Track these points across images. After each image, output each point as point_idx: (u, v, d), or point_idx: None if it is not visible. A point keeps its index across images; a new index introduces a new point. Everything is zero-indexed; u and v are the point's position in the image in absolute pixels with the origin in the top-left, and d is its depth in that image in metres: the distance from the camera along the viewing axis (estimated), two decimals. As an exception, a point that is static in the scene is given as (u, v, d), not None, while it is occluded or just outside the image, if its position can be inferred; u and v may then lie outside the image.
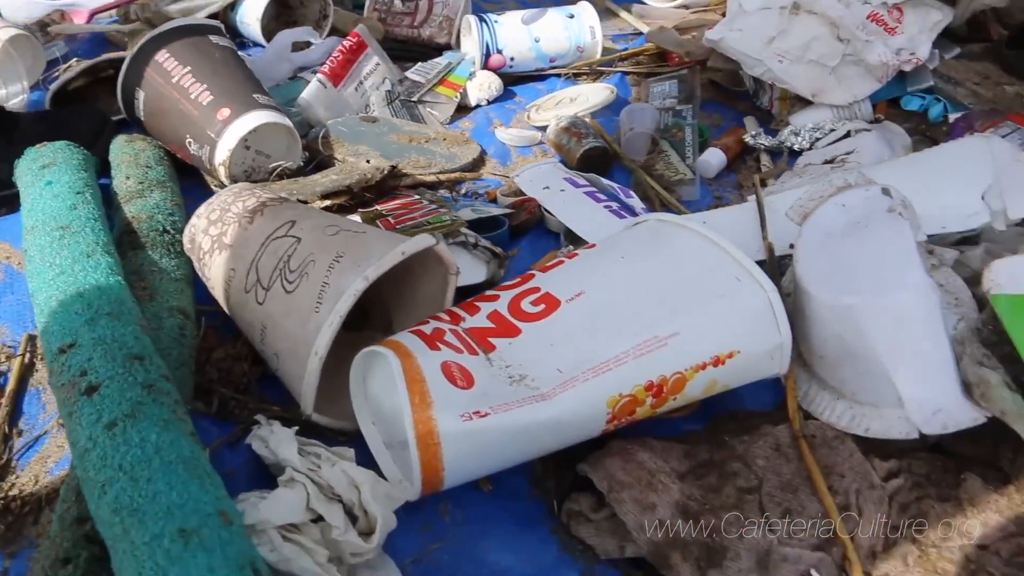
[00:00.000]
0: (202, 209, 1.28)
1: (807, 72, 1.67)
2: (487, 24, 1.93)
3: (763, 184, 1.55)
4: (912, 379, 0.99)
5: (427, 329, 1.02)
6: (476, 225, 1.41)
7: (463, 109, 1.90)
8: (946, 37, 1.84)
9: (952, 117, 1.65)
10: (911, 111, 1.74)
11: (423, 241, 1.07)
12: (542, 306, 1.04)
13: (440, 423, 0.89)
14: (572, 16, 1.96)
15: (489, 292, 1.09)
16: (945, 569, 0.92)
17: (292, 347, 1.06)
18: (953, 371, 0.99)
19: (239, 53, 1.66)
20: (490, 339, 1.01)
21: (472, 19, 1.94)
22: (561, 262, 1.13)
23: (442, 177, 1.54)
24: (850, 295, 1.01)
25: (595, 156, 1.60)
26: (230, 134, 1.48)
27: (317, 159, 1.63)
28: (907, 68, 1.64)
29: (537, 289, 1.06)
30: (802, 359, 1.13)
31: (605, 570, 0.96)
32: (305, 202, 1.36)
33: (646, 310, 1.00)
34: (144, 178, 1.44)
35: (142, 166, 1.48)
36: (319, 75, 1.82)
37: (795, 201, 1.26)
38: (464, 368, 0.97)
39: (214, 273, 1.22)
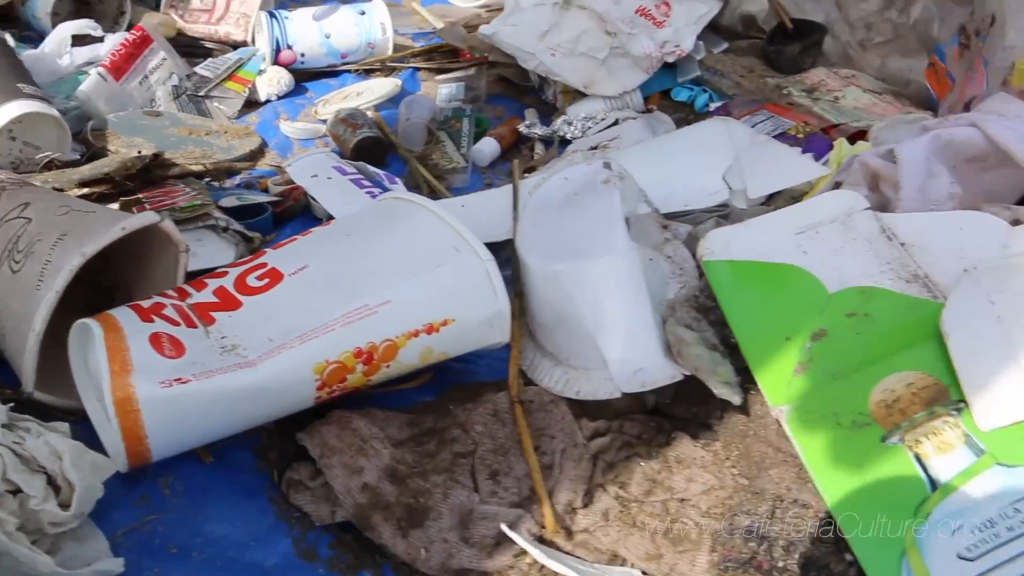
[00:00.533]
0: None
1: (579, 65, 1.73)
2: (277, 20, 1.93)
3: (532, 170, 1.60)
4: (614, 341, 1.03)
5: (145, 304, 1.02)
6: (241, 212, 1.42)
7: (253, 104, 1.90)
8: (717, 33, 1.93)
9: (714, 106, 1.73)
10: (680, 102, 1.81)
11: (146, 218, 1.07)
12: (266, 280, 1.05)
13: (138, 389, 0.90)
14: (363, 13, 1.99)
15: (220, 269, 1.10)
16: (644, 522, 0.96)
17: (16, 325, 1.05)
18: (655, 333, 1.04)
19: (9, 44, 1.63)
20: (212, 313, 1.03)
21: (263, 15, 1.94)
22: (295, 239, 1.14)
23: (209, 166, 1.53)
24: (558, 262, 1.06)
25: (368, 146, 1.62)
26: (-8, 124, 1.46)
27: (91, 151, 1.61)
28: (671, 59, 1.71)
29: (264, 265, 1.08)
30: (529, 328, 1.17)
31: (319, 536, 0.98)
32: (62, 191, 1.34)
33: (361, 280, 1.03)
34: None
35: None
36: (99, 68, 1.79)
37: (537, 180, 1.31)
38: (176, 339, 0.97)
39: (-55, 257, 1.20)
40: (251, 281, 1.06)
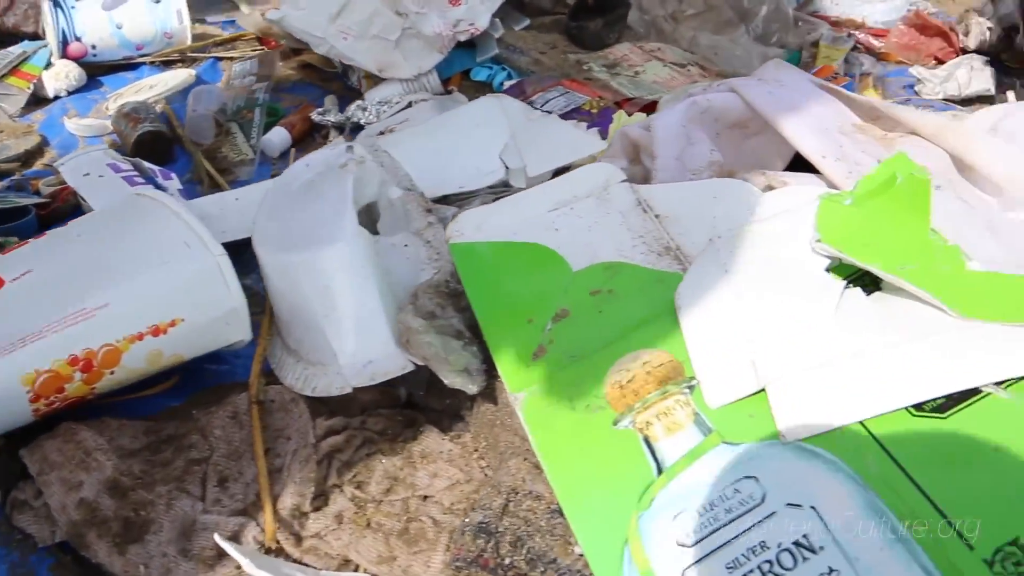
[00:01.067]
0: None
1: (372, 47, 1.68)
2: (63, 10, 1.84)
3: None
4: (344, 333, 1.00)
5: None
6: (2, 215, 1.34)
7: (42, 101, 1.81)
8: (521, 9, 1.90)
9: (507, 84, 1.70)
10: (480, 81, 1.78)
11: None
12: (-14, 288, 0.99)
13: None
14: (158, 1, 1.91)
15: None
16: (380, 523, 0.93)
17: None
18: (385, 323, 1.00)
19: None
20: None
21: (46, 5, 1.85)
22: (26, 243, 1.08)
23: (-30, 170, 1.46)
24: (286, 252, 1.01)
25: (148, 140, 1.55)
26: None
27: None
28: (463, 38, 1.68)
29: (-13, 272, 1.02)
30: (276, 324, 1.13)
31: (41, 558, 0.93)
32: None
33: (79, 283, 0.98)
34: None
35: None
36: None
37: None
38: None
39: None
40: (-28, 290, 1.00)
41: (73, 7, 1.86)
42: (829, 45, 1.90)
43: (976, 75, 1.86)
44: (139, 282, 0.98)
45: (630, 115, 1.48)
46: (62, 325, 0.93)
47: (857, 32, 2.16)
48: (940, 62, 2.07)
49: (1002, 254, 1.08)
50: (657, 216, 1.07)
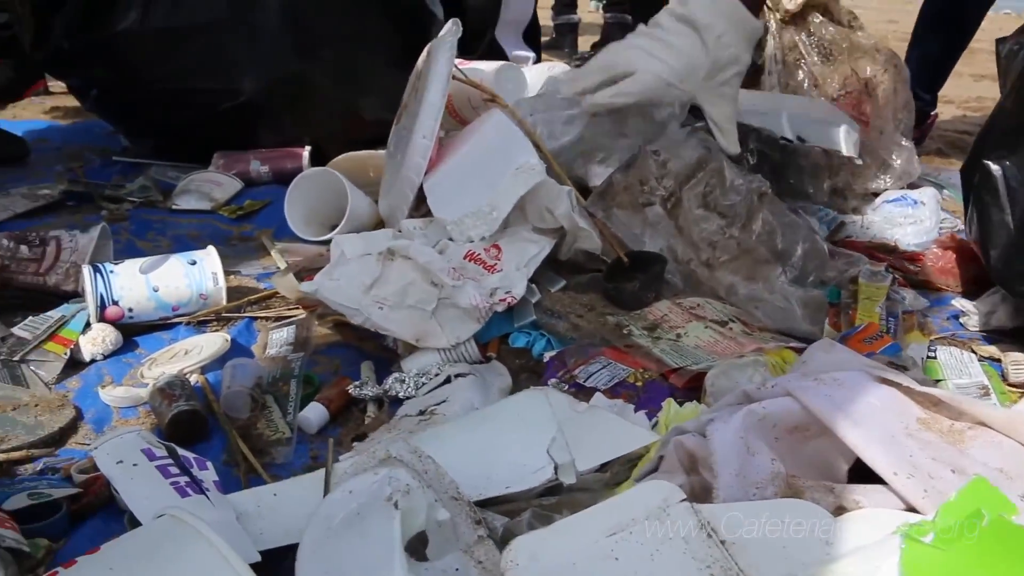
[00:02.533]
0: None
1: (408, 317, 1.67)
2: (102, 275, 1.85)
3: (363, 437, 1.51)
4: None
5: None
6: (30, 512, 1.30)
7: (78, 365, 1.79)
8: (553, 269, 1.90)
9: (548, 356, 1.68)
10: (520, 348, 1.75)
11: None
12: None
13: None
14: (194, 263, 1.92)
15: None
16: None
17: None
18: None
19: None
20: None
21: (86, 270, 1.86)
22: (55, 573, 1.03)
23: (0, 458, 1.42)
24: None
25: (185, 420, 1.52)
26: None
27: None
28: (500, 308, 1.66)
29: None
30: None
31: None
32: None
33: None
34: None
35: None
36: (-96, 340, 1.69)
37: (340, 476, 1.22)
38: None
39: None
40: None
41: (112, 271, 1.87)
42: (868, 283, 1.87)
43: (1021, 305, 1.85)
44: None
45: (680, 404, 1.44)
46: None
47: (891, 257, 2.16)
48: (980, 286, 2.06)
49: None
50: (723, 542, 1.02)
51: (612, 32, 5.04)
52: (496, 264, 1.74)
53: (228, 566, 0.99)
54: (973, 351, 1.85)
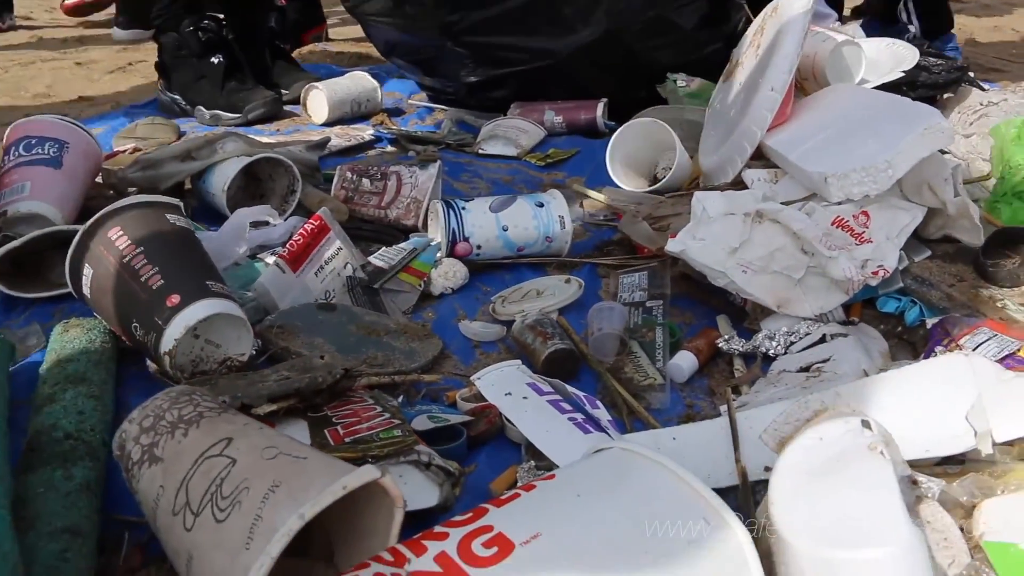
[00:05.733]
0: (135, 414, 1.19)
1: (772, 283, 1.61)
2: (454, 210, 1.88)
3: (736, 392, 1.48)
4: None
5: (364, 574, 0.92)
6: (432, 435, 1.33)
7: (427, 297, 1.84)
8: (915, 237, 1.80)
9: (929, 322, 1.59)
10: (887, 313, 1.68)
11: (367, 474, 0.98)
12: (494, 549, 0.94)
13: None
14: (541, 205, 1.93)
15: (438, 528, 0.99)
16: None
17: (218, 583, 0.96)
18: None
19: (195, 237, 1.60)
20: (435, 588, 0.92)
21: (439, 205, 1.89)
22: (517, 495, 1.04)
23: (398, 379, 1.46)
24: (830, 547, 0.92)
25: (560, 358, 1.52)
26: (177, 323, 1.41)
27: (269, 351, 1.55)
28: (873, 283, 1.58)
29: (490, 528, 0.97)
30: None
31: None
32: (250, 406, 1.27)
33: (602, 559, 0.91)
34: (59, 378, 1.38)
35: (62, 361, 1.41)
36: (277, 259, 1.76)
37: (770, 423, 1.19)
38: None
39: (143, 487, 1.12)
40: (477, 549, 0.94)
41: (464, 208, 1.89)
42: None
43: None
44: (671, 564, 0.91)
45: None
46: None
47: None
48: None
49: None
50: None
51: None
52: (864, 232, 1.66)
53: (694, 491, 0.97)
54: None
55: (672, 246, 1.68)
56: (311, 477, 0.98)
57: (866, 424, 1.05)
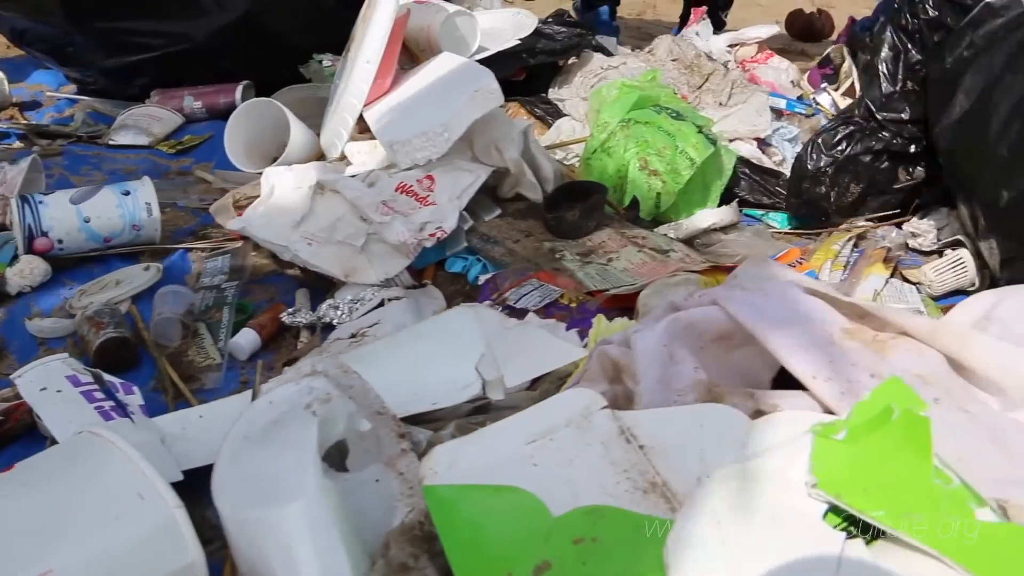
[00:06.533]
0: None
1: (337, 253, 1.65)
2: (31, 205, 1.81)
3: (294, 362, 1.50)
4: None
5: None
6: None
7: (4, 298, 1.75)
8: (490, 196, 1.87)
9: (483, 279, 1.66)
10: (456, 273, 1.74)
11: None
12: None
13: None
14: (127, 193, 1.87)
15: None
16: None
17: None
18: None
19: None
20: None
21: (14, 202, 1.81)
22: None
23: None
24: (245, 508, 0.95)
25: (112, 347, 1.50)
26: None
27: None
28: (429, 244, 1.64)
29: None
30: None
31: None
32: None
33: (21, 545, 0.90)
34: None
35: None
36: None
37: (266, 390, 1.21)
38: None
39: None
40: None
41: (41, 202, 1.82)
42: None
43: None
44: (88, 544, 0.91)
45: (610, 319, 1.43)
46: (-1, 599, 0.86)
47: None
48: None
49: (1007, 465, 1.03)
50: (641, 447, 1.02)
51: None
52: (428, 196, 1.71)
53: (137, 468, 0.97)
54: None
55: (235, 224, 1.68)
56: None
57: (315, 386, 1.07)
